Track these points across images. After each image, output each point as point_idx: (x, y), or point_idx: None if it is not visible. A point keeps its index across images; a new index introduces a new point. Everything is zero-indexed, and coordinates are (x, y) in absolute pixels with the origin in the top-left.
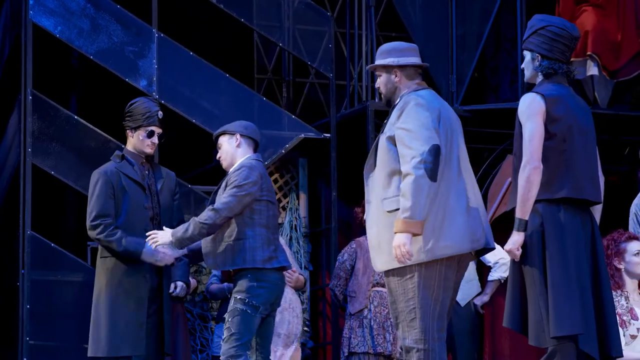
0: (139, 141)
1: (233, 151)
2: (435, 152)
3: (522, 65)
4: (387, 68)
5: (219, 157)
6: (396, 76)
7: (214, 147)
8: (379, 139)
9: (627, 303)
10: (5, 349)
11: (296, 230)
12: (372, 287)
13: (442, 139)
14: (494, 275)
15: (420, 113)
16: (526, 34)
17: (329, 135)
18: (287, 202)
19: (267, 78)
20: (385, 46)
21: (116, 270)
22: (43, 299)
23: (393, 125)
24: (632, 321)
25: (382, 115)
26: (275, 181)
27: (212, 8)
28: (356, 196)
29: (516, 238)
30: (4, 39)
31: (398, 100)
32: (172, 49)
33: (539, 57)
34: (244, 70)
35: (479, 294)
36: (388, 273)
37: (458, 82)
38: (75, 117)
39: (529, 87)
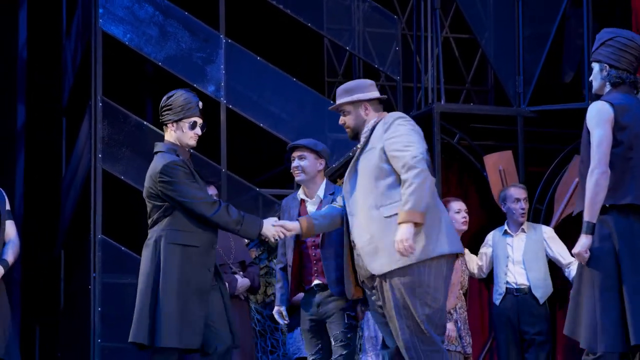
0: (183, 134)
1: (315, 172)
2: (427, 152)
3: (590, 77)
4: (356, 104)
5: (299, 168)
6: (366, 109)
7: (282, 152)
8: (358, 158)
9: None
10: (77, 350)
11: None
12: None
13: None
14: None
15: (407, 122)
16: (594, 46)
17: None
18: None
19: (338, 81)
20: (347, 85)
21: (186, 260)
22: (114, 301)
23: (380, 139)
24: None
25: (448, 117)
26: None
27: (280, 13)
28: None
29: (584, 241)
30: (76, 47)
31: (370, 128)
32: (240, 54)
33: (607, 67)
34: (315, 74)
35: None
36: (391, 274)
37: (525, 83)
38: (145, 122)
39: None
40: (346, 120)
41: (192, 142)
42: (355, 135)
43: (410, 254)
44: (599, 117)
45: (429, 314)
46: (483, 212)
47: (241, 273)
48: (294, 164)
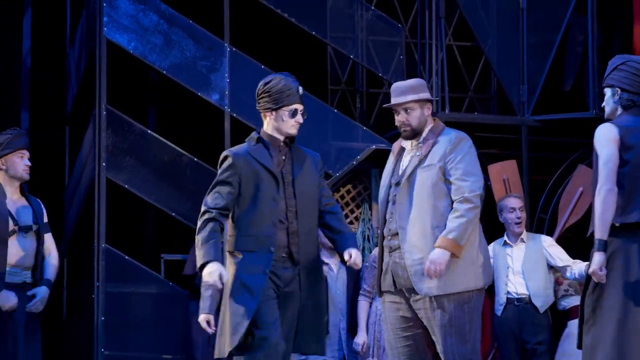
0: (283, 122)
1: None
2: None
3: (603, 103)
4: (422, 102)
5: None
6: (429, 110)
7: None
8: (415, 170)
9: None
10: (81, 359)
11: (369, 241)
12: None
13: None
14: (579, 269)
15: (473, 151)
16: (607, 72)
17: None
18: (360, 213)
19: (341, 89)
20: (410, 83)
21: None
22: (117, 310)
23: (443, 157)
24: None
25: (452, 126)
26: (348, 192)
27: (284, 21)
28: None
29: (598, 258)
30: (80, 55)
31: (434, 134)
32: (244, 62)
33: (619, 91)
34: (318, 82)
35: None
36: (440, 297)
37: (529, 92)
38: (149, 131)
39: (601, 96)
40: (408, 118)
41: (294, 130)
42: (414, 135)
43: (436, 276)
44: (604, 138)
45: (469, 330)
46: (487, 223)
47: None
48: None
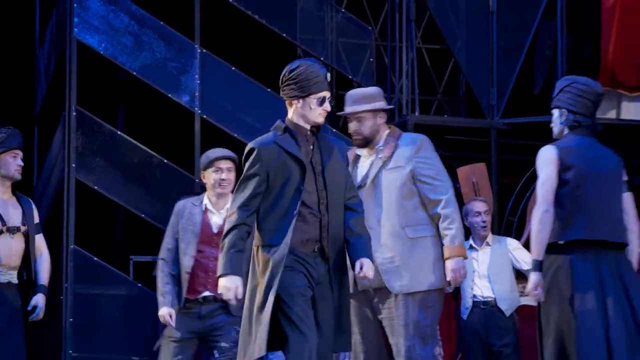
0: (310, 111)
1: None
2: None
3: (552, 124)
4: (375, 112)
5: (228, 181)
6: (381, 119)
7: None
8: (379, 173)
9: None
10: None
11: None
12: None
13: None
14: None
15: (433, 148)
16: (554, 94)
17: None
18: None
19: None
20: (363, 92)
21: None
22: (86, 312)
23: (410, 160)
24: None
25: (422, 129)
26: None
27: (254, 23)
28: None
29: (533, 278)
30: (50, 56)
31: (385, 141)
32: (215, 64)
33: (566, 112)
34: None
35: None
36: (407, 296)
37: (499, 95)
38: (119, 132)
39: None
40: (361, 127)
41: (321, 119)
42: (366, 144)
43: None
44: (543, 160)
45: (431, 333)
46: None
47: None
48: (224, 175)
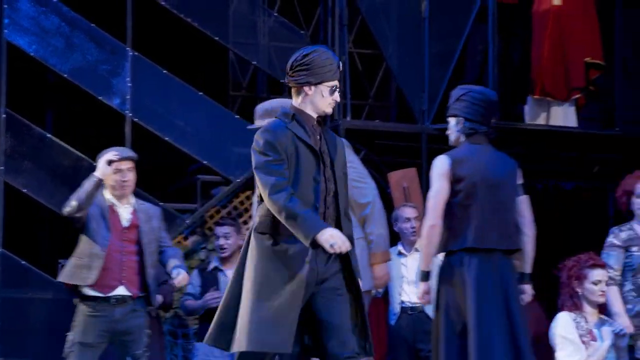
0: (322, 99)
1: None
2: None
3: (447, 131)
4: None
5: (130, 182)
6: None
7: (186, 165)
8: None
9: (586, 324)
10: None
11: None
12: None
13: None
14: None
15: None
16: (449, 103)
17: None
18: None
19: (242, 95)
20: (269, 105)
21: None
22: (14, 316)
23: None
24: (591, 342)
25: (353, 134)
26: (248, 198)
27: (187, 26)
28: None
29: (421, 288)
30: None
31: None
32: (146, 67)
33: (462, 120)
34: (219, 87)
35: None
36: None
37: (430, 100)
38: (48, 135)
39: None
40: None
41: (330, 109)
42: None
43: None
44: (435, 172)
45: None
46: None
47: None
48: (125, 177)
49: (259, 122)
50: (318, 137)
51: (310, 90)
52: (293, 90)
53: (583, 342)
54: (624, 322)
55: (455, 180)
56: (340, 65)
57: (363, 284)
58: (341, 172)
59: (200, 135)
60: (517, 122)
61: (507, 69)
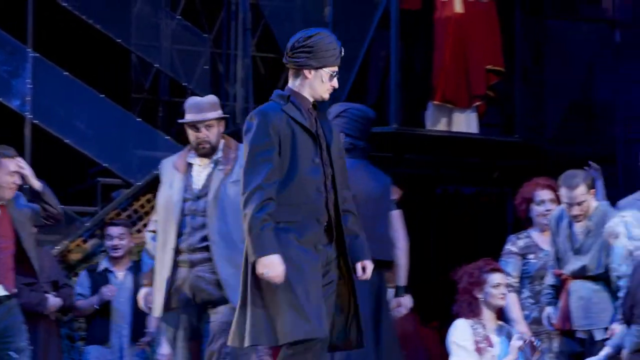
0: (321, 84)
1: None
2: None
3: None
4: (220, 120)
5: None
6: (222, 127)
7: (87, 168)
8: (223, 183)
9: (484, 331)
10: None
11: None
12: None
13: None
14: None
15: None
16: (329, 119)
17: None
18: None
19: (144, 97)
20: (209, 100)
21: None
22: None
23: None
24: (488, 348)
25: None
26: (148, 201)
27: (88, 28)
28: None
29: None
30: None
31: (232, 149)
32: (47, 68)
33: (343, 136)
34: (121, 89)
35: None
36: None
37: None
38: None
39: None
40: (209, 135)
41: (327, 95)
42: (212, 152)
43: None
44: None
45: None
46: None
47: (53, 293)
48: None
49: (201, 116)
50: (314, 121)
51: (310, 74)
52: (291, 71)
53: (479, 349)
54: (521, 329)
55: None
56: (342, 51)
57: None
58: (337, 157)
59: (101, 137)
60: (418, 127)
61: (410, 74)
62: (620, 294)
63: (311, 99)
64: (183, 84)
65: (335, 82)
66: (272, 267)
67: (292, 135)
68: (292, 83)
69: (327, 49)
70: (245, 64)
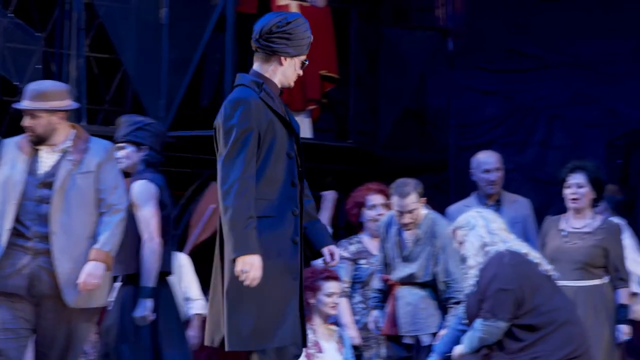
0: (292, 72)
1: None
2: None
3: (122, 156)
4: (51, 111)
5: None
6: (60, 119)
7: None
8: (72, 173)
9: (313, 336)
10: None
11: None
12: None
13: None
14: None
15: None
16: (126, 130)
17: None
18: None
19: None
20: (41, 88)
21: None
22: None
23: (99, 165)
24: (317, 354)
25: None
26: None
27: None
28: None
29: (148, 304)
30: None
31: (82, 140)
32: None
33: (147, 148)
34: None
35: None
36: (76, 310)
37: (167, 107)
38: None
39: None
40: (34, 125)
41: (293, 83)
42: (39, 142)
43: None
44: (149, 194)
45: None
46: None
47: None
48: None
49: (26, 104)
50: (284, 108)
51: (285, 61)
52: (261, 56)
53: (308, 355)
54: (352, 334)
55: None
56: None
57: (97, 301)
58: (301, 146)
59: None
60: None
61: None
62: (459, 295)
63: (280, 86)
64: (14, 82)
65: (300, 71)
66: (252, 267)
67: (271, 126)
68: (262, 68)
69: (303, 37)
70: (78, 63)
